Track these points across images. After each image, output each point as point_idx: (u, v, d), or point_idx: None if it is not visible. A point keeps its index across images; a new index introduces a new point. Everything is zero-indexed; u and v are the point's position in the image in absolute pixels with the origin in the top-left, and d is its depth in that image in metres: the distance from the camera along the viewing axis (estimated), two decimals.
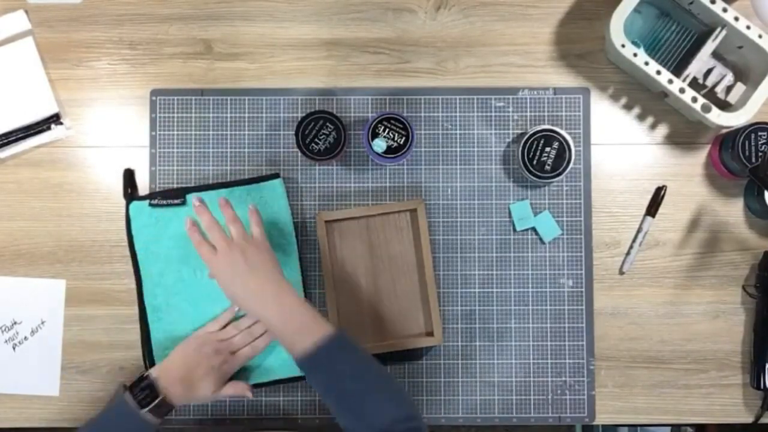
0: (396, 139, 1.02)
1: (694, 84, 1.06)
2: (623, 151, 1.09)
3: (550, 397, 1.07)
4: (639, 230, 1.08)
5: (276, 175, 1.07)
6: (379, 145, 1.02)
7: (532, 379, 1.07)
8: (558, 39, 1.10)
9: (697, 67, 1.04)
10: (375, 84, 1.10)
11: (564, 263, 1.08)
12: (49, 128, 1.08)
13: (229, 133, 1.09)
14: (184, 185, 1.08)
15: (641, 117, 1.10)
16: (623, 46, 1.00)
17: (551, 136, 1.04)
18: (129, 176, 1.08)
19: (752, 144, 1.02)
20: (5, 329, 1.07)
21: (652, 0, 1.07)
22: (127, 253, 1.06)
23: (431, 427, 1.10)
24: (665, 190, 1.08)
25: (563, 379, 1.07)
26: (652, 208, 1.08)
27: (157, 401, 0.93)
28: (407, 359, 1.07)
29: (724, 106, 1.06)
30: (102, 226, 1.08)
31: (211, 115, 1.09)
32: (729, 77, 1.07)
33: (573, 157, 1.04)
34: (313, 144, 1.03)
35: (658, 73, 1.00)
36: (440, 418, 1.07)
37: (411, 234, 1.08)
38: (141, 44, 1.10)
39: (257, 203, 1.06)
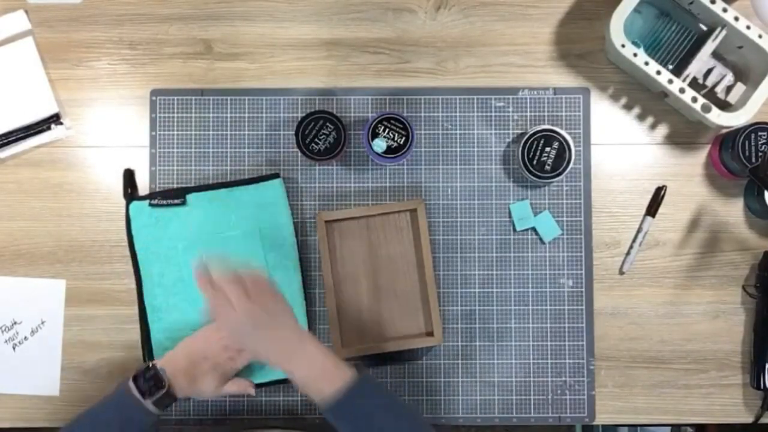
0: (396, 139, 1.02)
1: (694, 84, 1.06)
2: (623, 151, 1.09)
3: (550, 397, 1.07)
4: (639, 230, 1.08)
5: (276, 175, 1.07)
6: (379, 145, 1.02)
7: (532, 379, 1.07)
8: (558, 39, 1.10)
9: (697, 67, 1.04)
10: (375, 84, 1.10)
11: (564, 263, 1.08)
12: (49, 128, 1.08)
13: (229, 133, 1.09)
14: (184, 185, 1.08)
15: (641, 117, 1.10)
16: (623, 46, 1.00)
17: (551, 136, 1.04)
18: (129, 176, 1.08)
19: (752, 144, 1.02)
20: (5, 329, 1.07)
21: (652, 0, 1.07)
22: (127, 253, 1.06)
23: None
24: (665, 190, 1.08)
25: (563, 379, 1.07)
26: (652, 208, 1.08)
27: (161, 392, 0.93)
28: (407, 359, 1.07)
29: (724, 106, 1.06)
30: (102, 226, 1.08)
31: (211, 115, 1.09)
32: (729, 77, 1.07)
33: (573, 157, 1.04)
34: (313, 144, 1.03)
35: (658, 73, 1.00)
36: (440, 418, 1.07)
37: (411, 234, 1.08)
38: (141, 44, 1.10)
39: (257, 203, 1.06)
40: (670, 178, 1.09)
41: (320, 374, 0.87)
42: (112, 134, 1.09)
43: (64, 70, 1.10)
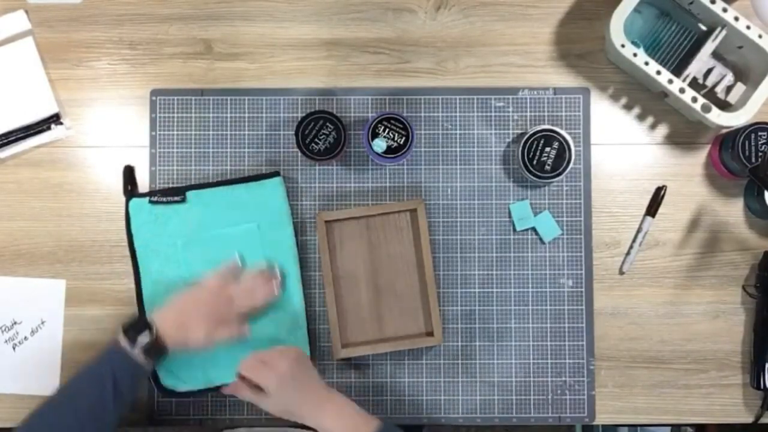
0: (396, 139, 1.02)
1: (694, 84, 1.06)
2: (623, 151, 1.09)
3: (550, 397, 1.07)
4: (639, 230, 1.08)
5: (276, 173, 1.07)
6: (379, 145, 1.02)
7: (532, 379, 1.07)
8: (558, 39, 1.10)
9: (697, 67, 1.04)
10: (375, 84, 1.10)
11: (564, 263, 1.08)
12: (49, 128, 1.08)
13: (229, 133, 1.09)
14: (184, 185, 1.08)
15: (641, 117, 1.10)
16: (623, 46, 1.00)
17: (551, 136, 1.04)
18: (129, 173, 1.08)
19: (752, 144, 1.02)
20: (5, 329, 1.07)
21: (652, 0, 1.07)
22: (127, 253, 1.06)
23: (431, 427, 1.10)
24: (665, 190, 1.08)
25: (563, 379, 1.07)
26: (652, 208, 1.08)
27: (150, 341, 0.94)
28: (407, 359, 1.07)
29: (724, 106, 1.06)
30: (102, 226, 1.08)
31: (211, 115, 1.09)
32: (729, 77, 1.07)
33: (573, 157, 1.04)
34: (313, 144, 1.03)
35: (658, 73, 1.00)
36: (440, 418, 1.07)
37: (411, 234, 1.08)
38: (141, 44, 1.10)
39: (257, 201, 1.06)
40: (670, 178, 1.09)
41: (350, 424, 0.92)
42: (112, 134, 1.09)
43: (64, 70, 1.10)
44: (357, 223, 1.07)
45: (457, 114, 1.09)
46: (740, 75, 1.07)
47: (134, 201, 1.06)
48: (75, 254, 1.08)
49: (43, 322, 1.07)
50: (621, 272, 1.08)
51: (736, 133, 1.03)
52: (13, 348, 1.07)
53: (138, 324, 0.96)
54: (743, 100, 1.03)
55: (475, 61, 1.10)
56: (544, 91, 1.09)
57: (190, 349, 0.99)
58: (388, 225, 1.08)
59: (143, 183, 1.08)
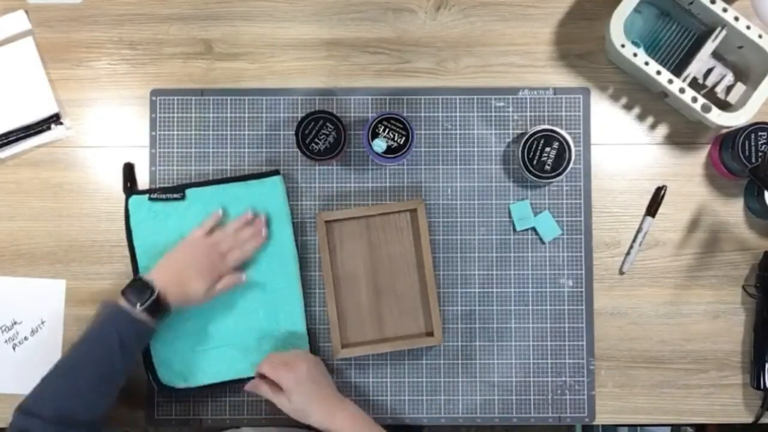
0: (396, 139, 1.02)
1: (694, 84, 1.06)
2: (623, 151, 1.09)
3: (550, 397, 1.07)
4: (639, 230, 1.08)
5: (276, 172, 1.07)
6: (379, 145, 1.02)
7: (532, 379, 1.07)
8: (558, 39, 1.10)
9: (697, 67, 1.04)
10: (375, 84, 1.10)
11: (564, 263, 1.08)
12: (49, 128, 1.08)
13: (229, 133, 1.09)
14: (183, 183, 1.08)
15: (641, 117, 1.10)
16: (623, 46, 1.00)
17: (551, 136, 1.04)
18: (129, 170, 1.08)
19: (752, 144, 1.02)
20: (5, 329, 1.07)
21: (652, 0, 1.07)
22: (127, 253, 1.06)
23: (431, 427, 1.10)
24: (665, 190, 1.08)
25: (563, 379, 1.07)
26: (652, 208, 1.08)
27: (152, 299, 0.94)
28: (407, 359, 1.07)
29: (724, 106, 1.06)
30: (102, 226, 1.08)
31: (211, 115, 1.09)
32: (729, 77, 1.07)
33: (573, 157, 1.04)
34: (313, 144, 1.03)
35: (658, 73, 1.00)
36: (440, 418, 1.07)
37: (411, 234, 1.08)
38: (141, 44, 1.10)
39: (257, 199, 1.06)
40: (670, 178, 1.09)
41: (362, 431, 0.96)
42: (112, 134, 1.10)
43: (64, 70, 1.10)
44: (357, 223, 1.07)
45: (457, 114, 1.09)
46: (740, 75, 1.07)
47: (134, 198, 1.06)
48: (75, 254, 1.08)
49: (43, 322, 1.07)
50: (621, 272, 1.08)
51: (736, 133, 1.03)
52: (13, 348, 1.07)
53: (137, 285, 0.96)
54: (743, 100, 1.03)
55: (475, 61, 1.10)
56: (544, 91, 1.09)
57: (191, 304, 1.00)
58: (388, 225, 1.08)
59: (143, 183, 1.08)
